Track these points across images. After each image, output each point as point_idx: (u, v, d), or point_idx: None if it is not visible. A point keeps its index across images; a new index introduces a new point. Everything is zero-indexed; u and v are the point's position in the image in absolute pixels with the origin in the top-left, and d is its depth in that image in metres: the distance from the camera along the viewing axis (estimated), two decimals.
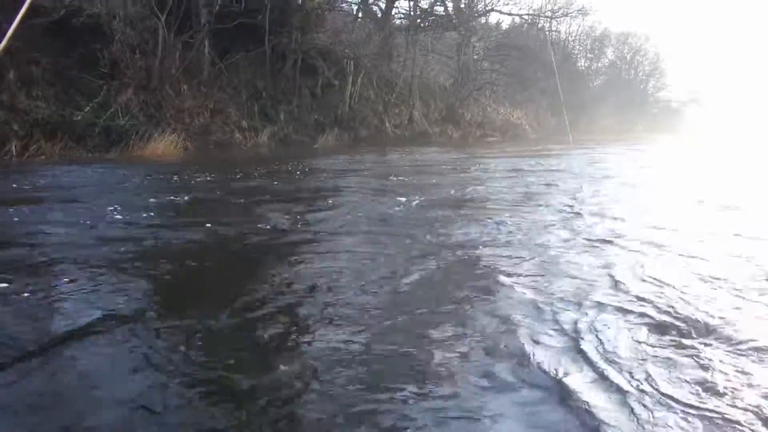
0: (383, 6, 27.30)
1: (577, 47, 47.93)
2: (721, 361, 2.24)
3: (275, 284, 3.27)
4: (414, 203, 6.44)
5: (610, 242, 4.37)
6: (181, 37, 17.08)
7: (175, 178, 9.16)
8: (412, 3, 28.07)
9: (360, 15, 26.94)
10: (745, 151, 22.77)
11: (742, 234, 4.80)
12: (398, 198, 6.83)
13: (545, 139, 30.28)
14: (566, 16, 42.00)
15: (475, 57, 32.86)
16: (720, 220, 5.66)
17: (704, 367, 2.18)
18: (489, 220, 5.39)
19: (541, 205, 6.49)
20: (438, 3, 30.07)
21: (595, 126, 43.94)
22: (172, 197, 6.74)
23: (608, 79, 52.14)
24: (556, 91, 38.18)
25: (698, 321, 2.64)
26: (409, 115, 25.66)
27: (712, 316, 2.70)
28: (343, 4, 26.86)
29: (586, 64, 49.65)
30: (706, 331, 2.54)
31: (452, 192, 7.80)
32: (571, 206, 6.37)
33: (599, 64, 52.21)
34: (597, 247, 4.23)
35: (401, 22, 28.44)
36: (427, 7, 29.26)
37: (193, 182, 8.73)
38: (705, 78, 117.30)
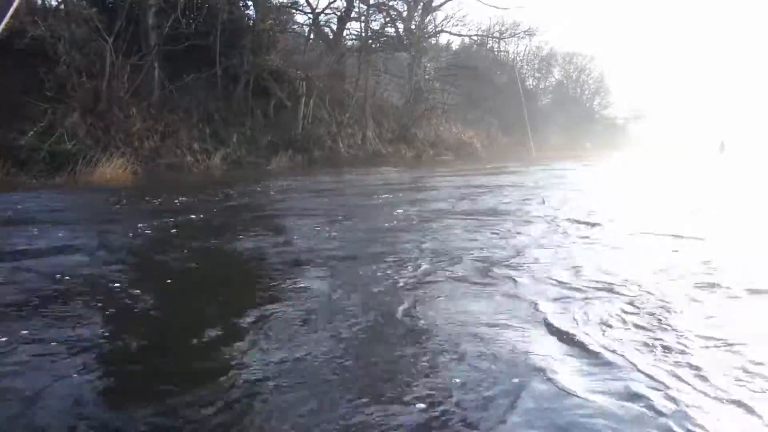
0: (335, 27, 27.78)
1: (526, 67, 49.59)
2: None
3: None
4: (416, 215, 6.80)
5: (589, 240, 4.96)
6: (130, 59, 17.02)
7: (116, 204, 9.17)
8: (363, 24, 28.63)
9: (312, 36, 27.29)
10: (687, 162, 24.16)
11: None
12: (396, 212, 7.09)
13: (498, 157, 31.19)
14: (514, 36, 43.64)
15: (427, 77, 33.71)
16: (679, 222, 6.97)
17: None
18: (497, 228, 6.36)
19: (532, 215, 7.13)
20: (389, 24, 30.80)
21: (546, 143, 45.43)
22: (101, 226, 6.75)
23: (556, 97, 54.08)
24: (505, 110, 39.43)
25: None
26: (362, 135, 26.05)
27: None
28: (295, 26, 27.19)
29: (535, 83, 51.36)
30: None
31: (445, 206, 8.31)
32: (554, 216, 7.46)
33: (547, 83, 54.13)
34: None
35: (353, 43, 28.97)
36: (378, 28, 29.93)
37: (144, 208, 8.76)
38: (646, 95, 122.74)
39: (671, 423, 2.03)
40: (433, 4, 34.67)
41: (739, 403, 2.19)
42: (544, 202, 8.18)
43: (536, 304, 3.45)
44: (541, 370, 2.49)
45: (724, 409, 2.15)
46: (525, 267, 4.46)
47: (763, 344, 2.80)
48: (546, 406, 2.17)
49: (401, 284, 3.98)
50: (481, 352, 2.71)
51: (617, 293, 3.65)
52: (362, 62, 27.12)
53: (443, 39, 38.75)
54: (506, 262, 4.61)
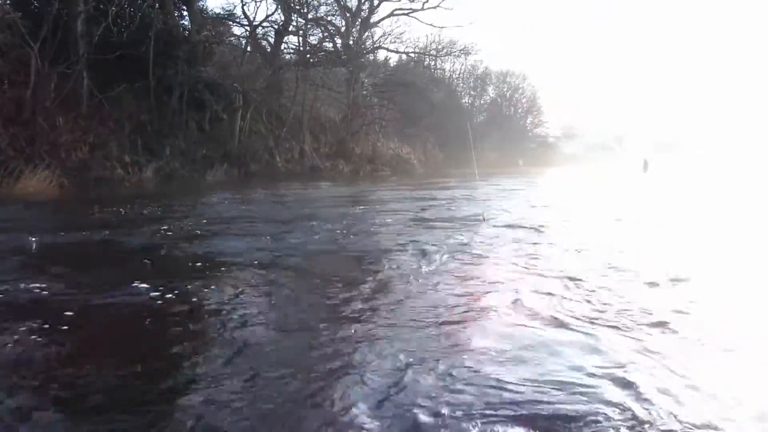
0: (272, 41, 27.89)
1: (461, 85, 51.18)
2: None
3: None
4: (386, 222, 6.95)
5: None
6: (57, 67, 16.55)
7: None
8: (301, 39, 28.87)
9: (249, 49, 27.30)
10: (612, 180, 25.69)
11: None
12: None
13: (435, 173, 32.02)
14: (450, 54, 45.13)
15: (365, 93, 34.26)
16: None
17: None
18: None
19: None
20: (327, 39, 31.26)
21: (481, 160, 46.82)
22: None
23: (490, 115, 56.01)
24: (442, 126, 40.47)
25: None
26: (300, 150, 26.22)
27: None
28: (231, 38, 27.10)
29: (470, 101, 53.02)
30: None
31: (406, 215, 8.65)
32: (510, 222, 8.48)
33: (482, 101, 55.98)
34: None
35: (290, 57, 29.14)
36: (316, 42, 30.26)
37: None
38: (576, 114, 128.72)
39: None
40: (371, 21, 35.50)
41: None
42: (484, 219, 8.70)
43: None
44: None
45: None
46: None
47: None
48: None
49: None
50: None
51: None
52: (300, 76, 27.35)
53: (381, 55, 39.63)
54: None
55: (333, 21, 31.88)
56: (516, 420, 2.23)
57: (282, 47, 28.86)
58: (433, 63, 45.46)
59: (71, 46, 17.72)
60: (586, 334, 3.30)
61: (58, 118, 16.65)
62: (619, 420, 2.22)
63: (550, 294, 4.21)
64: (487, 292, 4.30)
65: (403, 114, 36.59)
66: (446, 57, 45.50)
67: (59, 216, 10.54)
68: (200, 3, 23.62)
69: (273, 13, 28.32)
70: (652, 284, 4.54)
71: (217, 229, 7.77)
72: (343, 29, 32.95)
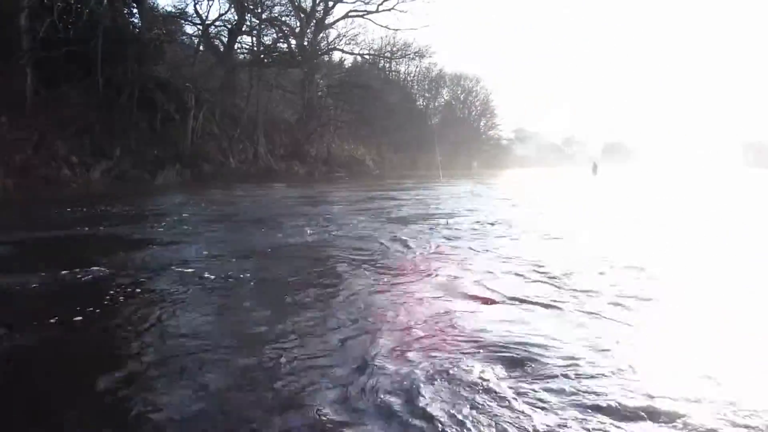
0: (225, 40, 27.63)
1: (416, 87, 51.70)
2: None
3: None
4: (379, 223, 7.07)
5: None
6: None
7: None
8: (255, 39, 28.73)
9: (201, 48, 26.98)
10: (564, 182, 26.51)
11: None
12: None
13: (390, 174, 32.35)
14: (405, 57, 45.66)
15: (320, 94, 34.31)
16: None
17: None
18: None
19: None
20: (281, 40, 31.13)
21: (435, 162, 47.49)
22: None
23: (445, 117, 56.76)
24: (396, 128, 40.83)
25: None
26: (254, 151, 26.07)
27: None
28: (183, 37, 26.75)
29: (424, 104, 53.58)
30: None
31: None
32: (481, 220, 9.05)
33: (436, 104, 56.63)
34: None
35: (244, 57, 28.93)
36: (270, 43, 30.16)
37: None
38: (528, 117, 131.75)
39: None
40: (326, 22, 35.57)
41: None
42: (447, 223, 8.91)
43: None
44: None
45: None
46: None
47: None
48: None
49: None
50: None
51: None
52: (254, 77, 27.22)
53: (336, 57, 39.74)
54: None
55: (287, 21, 31.86)
56: None
57: (236, 47, 28.67)
58: (387, 65, 45.89)
59: (14, 43, 17.22)
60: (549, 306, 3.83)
61: (0, 116, 16.16)
62: None
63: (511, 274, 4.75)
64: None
65: (359, 116, 36.81)
66: (401, 59, 46.02)
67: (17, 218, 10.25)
68: (151, 1, 23.28)
69: (226, 13, 28.03)
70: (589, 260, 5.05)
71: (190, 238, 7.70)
72: (297, 30, 32.93)
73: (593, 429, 2.17)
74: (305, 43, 33.25)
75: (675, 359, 2.92)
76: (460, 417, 2.25)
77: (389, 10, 37.29)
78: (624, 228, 8.98)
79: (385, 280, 4.73)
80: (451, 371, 2.70)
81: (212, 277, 4.79)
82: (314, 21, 34.45)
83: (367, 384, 2.55)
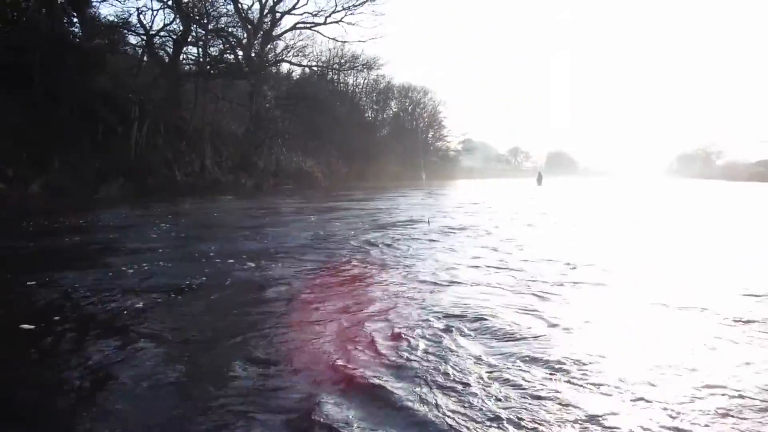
0: (170, 51, 27.23)
1: (364, 99, 52.12)
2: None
3: None
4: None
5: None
6: None
7: None
8: (201, 50, 28.43)
9: (145, 59, 26.49)
10: (510, 191, 27.34)
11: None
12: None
13: (339, 186, 32.49)
14: (353, 69, 46.01)
15: (267, 105, 34.20)
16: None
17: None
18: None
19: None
20: (228, 51, 30.87)
21: (384, 173, 47.96)
22: None
23: (393, 129, 57.41)
24: (345, 140, 41.02)
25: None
26: (200, 164, 25.73)
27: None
28: (126, 47, 26.22)
29: (373, 115, 54.06)
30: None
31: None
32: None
33: (384, 115, 57.20)
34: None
35: (190, 68, 28.58)
36: (217, 54, 29.86)
37: None
38: (475, 128, 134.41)
39: None
40: (274, 33, 35.60)
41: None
42: (428, 223, 9.71)
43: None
44: None
45: None
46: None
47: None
48: None
49: None
50: None
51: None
52: (200, 88, 26.92)
53: (284, 68, 39.71)
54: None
55: (234, 32, 31.64)
56: None
57: (181, 58, 28.29)
58: (336, 77, 46.12)
59: None
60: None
61: None
62: None
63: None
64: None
65: (307, 127, 36.87)
66: (349, 71, 46.36)
67: None
68: (92, 10, 22.78)
69: (171, 23, 27.63)
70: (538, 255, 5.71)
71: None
72: (244, 41, 32.77)
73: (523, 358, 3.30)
74: (252, 55, 33.14)
75: (596, 325, 4.04)
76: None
77: (337, 22, 37.70)
78: (565, 231, 10.64)
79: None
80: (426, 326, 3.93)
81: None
82: (261, 32, 34.42)
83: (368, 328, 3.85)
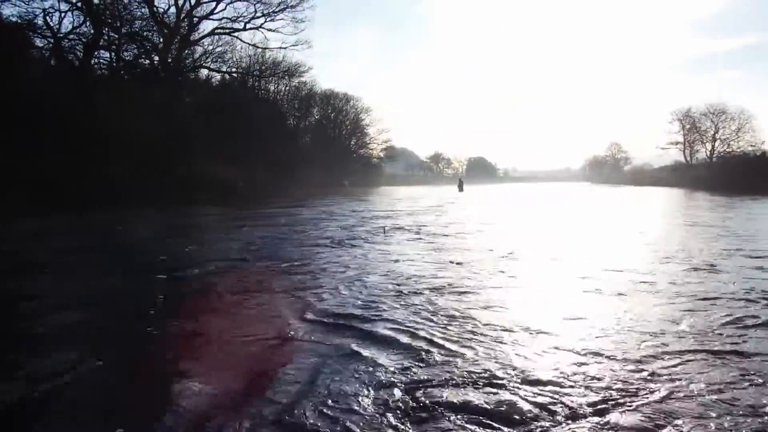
0: (80, 54, 26.16)
1: (286, 106, 51.82)
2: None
3: None
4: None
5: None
6: None
7: None
8: (114, 54, 27.48)
9: (53, 63, 25.30)
10: (433, 196, 28.23)
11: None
12: None
13: (262, 195, 32.18)
14: (274, 76, 45.71)
15: (186, 112, 33.38)
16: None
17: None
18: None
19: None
20: (143, 56, 30.01)
21: (308, 181, 47.81)
22: None
23: (316, 136, 57.39)
24: (267, 148, 40.68)
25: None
26: (114, 172, 24.75)
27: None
28: (33, 50, 24.95)
29: (295, 123, 53.83)
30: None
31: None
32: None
33: (306, 123, 57.04)
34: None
35: (102, 74, 27.55)
36: (131, 59, 28.95)
37: None
38: (398, 135, 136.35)
39: None
40: (191, 39, 34.86)
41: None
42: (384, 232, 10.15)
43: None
44: None
45: None
46: None
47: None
48: None
49: None
50: None
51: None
52: (113, 94, 25.96)
53: (203, 74, 38.92)
54: None
55: (150, 37, 30.76)
56: None
57: (93, 62, 27.18)
58: (257, 84, 45.63)
59: None
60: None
61: None
62: None
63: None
64: None
65: (228, 135, 36.24)
66: (270, 78, 46.03)
67: None
68: None
69: (81, 26, 26.51)
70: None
71: None
72: (160, 46, 31.90)
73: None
74: (169, 60, 32.33)
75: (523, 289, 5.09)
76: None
77: (257, 28, 37.53)
78: (491, 229, 12.30)
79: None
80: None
81: None
82: (178, 37, 33.62)
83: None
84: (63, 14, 26.09)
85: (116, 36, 27.66)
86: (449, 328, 4.62)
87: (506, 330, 4.54)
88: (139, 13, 29.68)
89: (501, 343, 4.22)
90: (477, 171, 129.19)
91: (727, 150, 62.56)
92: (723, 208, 20.72)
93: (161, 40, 32.14)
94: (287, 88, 50.91)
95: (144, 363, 3.91)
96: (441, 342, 4.24)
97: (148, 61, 30.99)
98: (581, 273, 7.10)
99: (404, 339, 4.32)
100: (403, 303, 5.50)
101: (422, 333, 4.46)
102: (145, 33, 30.38)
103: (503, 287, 6.31)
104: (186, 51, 34.72)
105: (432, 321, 4.83)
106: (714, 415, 2.97)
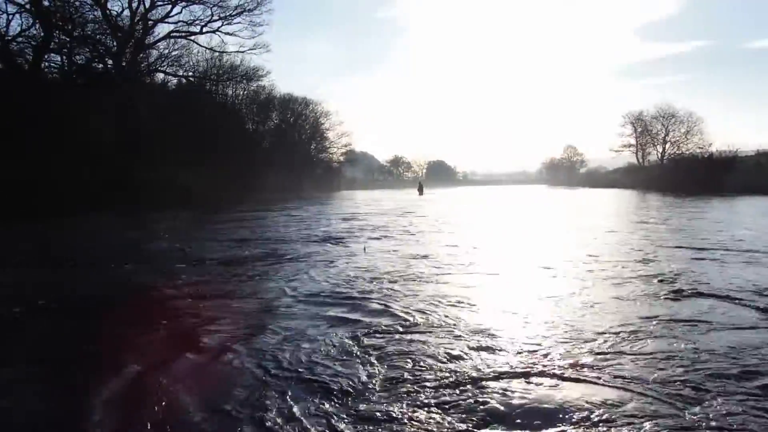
0: (30, 58, 25.48)
1: (245, 110, 51.38)
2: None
3: None
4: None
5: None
6: None
7: None
8: (65, 58, 26.87)
9: (1, 65, 24.59)
10: (395, 200, 28.55)
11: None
12: None
13: (220, 199, 31.87)
14: (231, 80, 45.27)
15: (142, 117, 32.81)
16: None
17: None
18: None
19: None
20: (96, 60, 29.39)
21: (268, 186, 47.51)
22: None
23: (276, 141, 57.09)
24: (227, 153, 40.30)
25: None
26: (69, 180, 24.19)
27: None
28: None
29: (254, 127, 53.41)
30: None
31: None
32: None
33: (266, 127, 56.67)
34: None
35: (54, 78, 26.89)
36: (83, 62, 28.32)
37: None
38: (358, 140, 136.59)
39: None
40: (147, 42, 34.31)
41: None
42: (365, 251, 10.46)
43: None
44: None
45: None
46: None
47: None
48: None
49: None
50: None
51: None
52: (66, 99, 25.36)
53: (159, 78, 38.32)
54: None
55: (103, 40, 30.16)
56: None
57: (43, 66, 26.50)
58: (215, 88, 45.11)
59: None
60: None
61: None
62: None
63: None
64: None
65: (185, 139, 35.75)
66: (228, 82, 45.55)
67: None
68: None
69: (30, 28, 25.80)
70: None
71: None
72: (114, 49, 31.28)
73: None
74: (123, 64, 31.73)
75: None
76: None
77: (214, 32, 37.19)
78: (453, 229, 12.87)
79: None
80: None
81: None
82: (133, 41, 33.03)
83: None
84: (11, 16, 25.33)
85: (68, 39, 27.03)
86: (404, 299, 5.69)
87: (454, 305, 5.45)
88: (91, 16, 29.14)
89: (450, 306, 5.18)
90: (437, 175, 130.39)
91: (677, 152, 64.81)
92: (670, 208, 21.80)
93: (115, 43, 31.54)
94: (246, 92, 50.51)
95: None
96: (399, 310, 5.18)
97: (101, 65, 30.37)
98: (534, 261, 8.16)
99: (376, 306, 5.42)
100: (376, 286, 6.45)
101: (383, 302, 5.52)
102: (97, 36, 29.82)
103: (461, 274, 7.21)
104: (141, 55, 34.20)
105: (396, 296, 5.85)
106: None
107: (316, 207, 26.42)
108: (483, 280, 6.75)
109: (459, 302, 5.47)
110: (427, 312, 5.08)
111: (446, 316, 4.89)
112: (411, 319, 4.85)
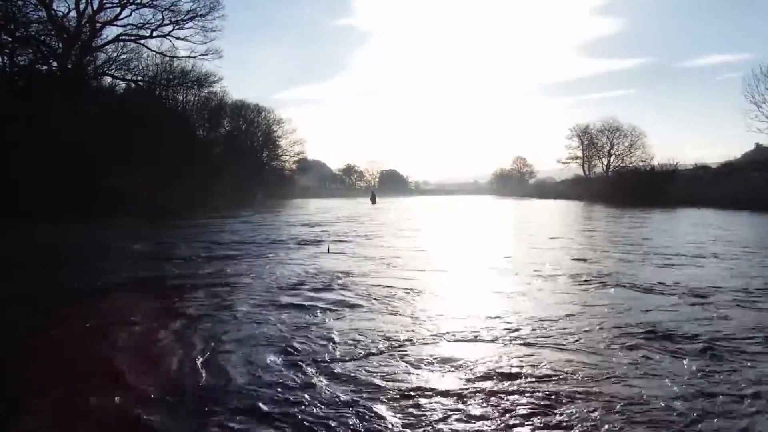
0: None
1: (195, 116, 50.64)
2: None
3: None
4: None
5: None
6: None
7: None
8: (6, 59, 26.05)
9: None
10: (346, 209, 28.71)
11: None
12: None
13: (174, 208, 31.37)
14: (182, 85, 44.57)
15: (88, 122, 31.99)
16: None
17: None
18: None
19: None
20: (40, 61, 28.57)
21: (219, 194, 46.88)
22: None
23: (227, 148, 56.44)
24: (176, 158, 39.64)
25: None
26: (10, 187, 23.41)
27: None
28: None
29: (205, 134, 52.67)
30: None
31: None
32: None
33: (217, 134, 55.95)
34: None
35: None
36: (25, 63, 27.48)
37: None
38: (310, 147, 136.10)
39: None
40: (94, 44, 33.52)
41: None
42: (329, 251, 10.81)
43: None
44: None
45: None
46: None
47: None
48: None
49: None
50: None
51: None
52: (7, 100, 24.55)
53: (107, 82, 37.43)
54: None
55: (47, 41, 29.31)
56: None
57: None
58: (165, 93, 44.33)
59: None
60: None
61: None
62: None
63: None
64: None
65: (134, 145, 34.99)
66: (179, 87, 44.85)
67: None
68: None
69: None
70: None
71: None
72: (59, 51, 30.44)
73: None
74: (69, 66, 30.90)
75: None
76: None
77: (164, 36, 36.67)
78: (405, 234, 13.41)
79: None
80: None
81: None
82: (79, 43, 32.22)
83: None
84: None
85: (9, 39, 26.18)
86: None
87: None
88: (35, 16, 28.30)
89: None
90: (389, 184, 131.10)
91: (621, 165, 67.33)
92: (612, 218, 22.96)
93: (60, 45, 30.67)
94: (196, 98, 49.82)
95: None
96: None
97: (45, 67, 29.51)
98: (480, 261, 9.19)
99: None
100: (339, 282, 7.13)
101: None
102: (42, 37, 28.96)
103: (411, 270, 8.02)
104: (88, 57, 33.36)
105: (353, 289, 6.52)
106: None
107: (272, 215, 26.36)
108: (432, 276, 7.58)
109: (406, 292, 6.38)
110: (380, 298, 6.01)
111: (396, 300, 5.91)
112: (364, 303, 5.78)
